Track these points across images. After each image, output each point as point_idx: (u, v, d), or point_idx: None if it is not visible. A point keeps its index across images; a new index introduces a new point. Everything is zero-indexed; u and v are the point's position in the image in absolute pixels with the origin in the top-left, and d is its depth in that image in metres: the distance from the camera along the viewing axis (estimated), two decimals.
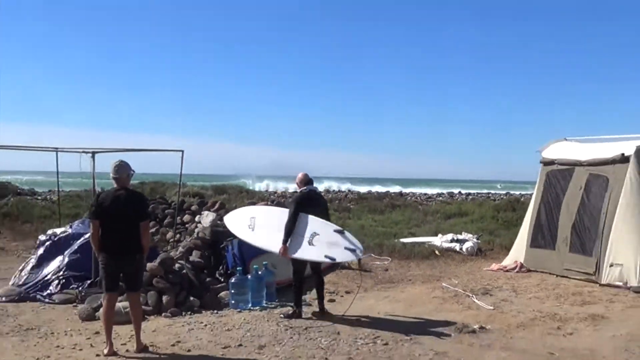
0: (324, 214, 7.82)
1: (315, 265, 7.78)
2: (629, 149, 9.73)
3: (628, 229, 9.39)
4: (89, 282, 8.62)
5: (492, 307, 8.02)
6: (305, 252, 7.39)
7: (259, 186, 40.63)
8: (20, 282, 8.88)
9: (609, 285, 9.26)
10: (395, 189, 48.04)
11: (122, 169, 6.06)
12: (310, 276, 7.98)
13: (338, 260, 7.77)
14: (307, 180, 7.88)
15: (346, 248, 7.38)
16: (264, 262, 8.75)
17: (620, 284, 9.15)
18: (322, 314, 7.55)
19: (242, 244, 9.37)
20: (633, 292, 8.79)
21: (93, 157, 9.23)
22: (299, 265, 7.65)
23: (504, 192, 49.42)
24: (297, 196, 7.90)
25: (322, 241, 7.43)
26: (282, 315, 7.49)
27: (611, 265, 9.44)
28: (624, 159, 9.71)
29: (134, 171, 6.17)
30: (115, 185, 6.06)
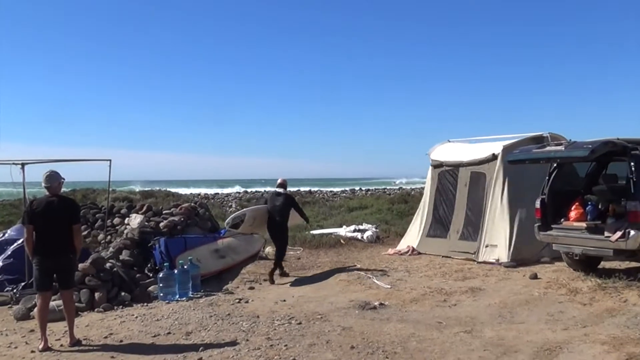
0: (283, 207, 9.27)
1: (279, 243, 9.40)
2: (497, 148, 10.19)
3: (500, 216, 9.85)
4: (22, 284, 8.10)
5: (389, 286, 8.19)
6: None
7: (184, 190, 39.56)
8: None
9: (485, 262, 9.67)
10: (305, 187, 48.28)
11: (53, 178, 5.86)
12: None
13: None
14: (279, 184, 9.59)
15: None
16: (189, 257, 8.58)
17: (494, 260, 9.60)
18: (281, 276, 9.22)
19: (169, 242, 9.14)
20: (504, 267, 9.24)
21: (23, 168, 8.69)
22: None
23: (397, 187, 50.80)
24: (266, 195, 9.99)
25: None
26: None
27: (487, 246, 9.88)
28: (494, 158, 10.15)
29: (64, 179, 5.98)
30: (47, 193, 5.81)
